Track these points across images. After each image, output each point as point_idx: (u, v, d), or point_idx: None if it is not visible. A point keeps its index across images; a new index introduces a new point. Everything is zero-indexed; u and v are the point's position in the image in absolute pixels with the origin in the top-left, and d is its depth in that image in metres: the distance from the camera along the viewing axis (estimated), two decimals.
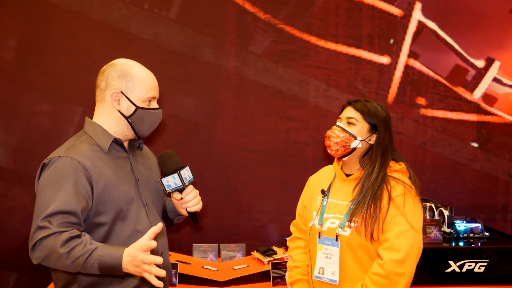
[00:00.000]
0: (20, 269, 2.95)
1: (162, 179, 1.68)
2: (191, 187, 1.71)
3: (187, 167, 1.70)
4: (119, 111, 1.64)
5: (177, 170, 1.66)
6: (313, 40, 3.03)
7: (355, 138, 1.78)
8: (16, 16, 2.89)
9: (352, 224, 1.73)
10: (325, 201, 1.85)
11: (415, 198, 1.74)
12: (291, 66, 3.03)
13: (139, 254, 1.38)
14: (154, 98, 1.69)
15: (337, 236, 1.75)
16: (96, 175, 1.56)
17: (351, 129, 1.79)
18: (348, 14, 3.03)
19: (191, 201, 1.70)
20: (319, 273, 1.81)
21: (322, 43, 3.03)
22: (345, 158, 1.83)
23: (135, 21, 2.94)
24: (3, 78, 2.91)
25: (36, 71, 2.91)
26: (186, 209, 1.73)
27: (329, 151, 1.83)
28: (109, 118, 1.66)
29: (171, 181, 1.67)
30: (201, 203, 1.75)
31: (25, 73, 2.91)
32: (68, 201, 1.48)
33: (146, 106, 1.66)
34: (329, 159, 3.09)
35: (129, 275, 1.56)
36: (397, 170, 1.79)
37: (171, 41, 2.97)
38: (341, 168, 1.89)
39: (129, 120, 1.65)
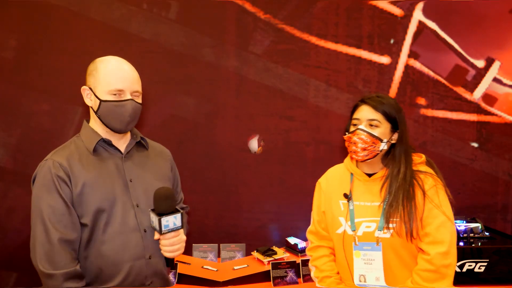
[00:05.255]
0: (20, 269, 2.95)
1: (150, 211, 1.59)
2: (171, 234, 1.58)
3: (178, 215, 1.55)
4: (91, 107, 1.62)
5: (160, 214, 1.54)
6: (313, 40, 3.03)
7: (381, 141, 1.70)
8: (16, 16, 2.89)
9: (391, 225, 1.66)
10: (351, 205, 1.77)
11: (444, 188, 1.72)
12: (291, 66, 3.02)
13: None
14: (121, 90, 1.57)
15: (377, 240, 1.69)
16: (75, 176, 1.55)
17: (375, 132, 1.70)
18: (348, 14, 3.02)
19: (165, 247, 1.60)
20: (360, 281, 1.72)
21: (322, 43, 3.03)
22: (369, 160, 1.75)
23: (135, 21, 2.94)
24: (3, 78, 2.91)
25: (36, 71, 2.91)
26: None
27: (354, 156, 1.73)
28: (92, 117, 1.65)
29: (154, 219, 1.57)
30: (179, 252, 1.63)
31: (25, 73, 2.91)
32: (65, 221, 1.52)
33: (112, 99, 1.57)
34: (330, 159, 3.09)
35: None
36: (421, 163, 1.75)
37: (171, 41, 2.96)
38: (358, 167, 1.81)
39: (97, 115, 1.60)
